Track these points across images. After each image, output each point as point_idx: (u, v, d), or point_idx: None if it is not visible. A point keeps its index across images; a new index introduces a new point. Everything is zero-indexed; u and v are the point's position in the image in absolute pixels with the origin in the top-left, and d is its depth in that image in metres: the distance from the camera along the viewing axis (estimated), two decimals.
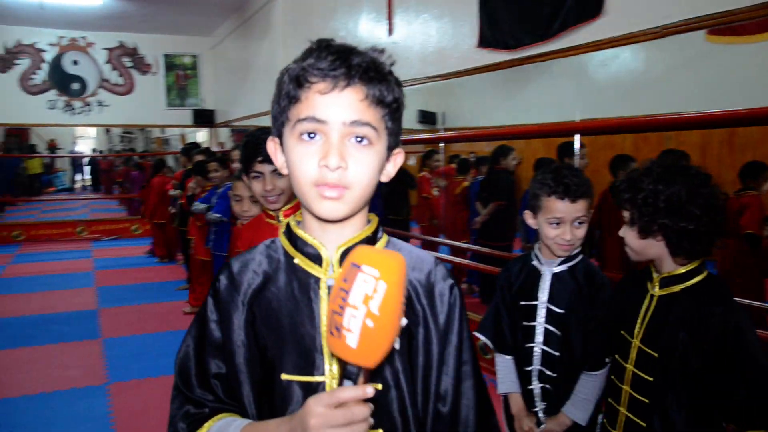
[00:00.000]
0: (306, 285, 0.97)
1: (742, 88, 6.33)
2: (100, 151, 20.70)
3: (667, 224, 1.51)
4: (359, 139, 0.89)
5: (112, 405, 3.76)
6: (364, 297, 0.74)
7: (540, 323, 1.92)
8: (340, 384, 0.79)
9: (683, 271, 1.57)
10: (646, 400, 1.57)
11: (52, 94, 9.88)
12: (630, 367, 1.62)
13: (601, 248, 4.86)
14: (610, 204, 4.51)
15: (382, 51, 0.92)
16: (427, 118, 6.98)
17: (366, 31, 5.45)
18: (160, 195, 7.89)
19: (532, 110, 9.53)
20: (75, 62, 9.98)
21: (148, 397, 3.88)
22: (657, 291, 1.61)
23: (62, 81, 9.90)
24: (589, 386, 1.86)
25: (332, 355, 0.83)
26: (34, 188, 17.70)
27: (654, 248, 1.58)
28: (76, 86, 10.01)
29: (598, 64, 7.98)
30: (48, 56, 9.79)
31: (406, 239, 5.80)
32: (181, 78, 10.55)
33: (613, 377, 1.71)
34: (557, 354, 1.89)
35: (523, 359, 1.96)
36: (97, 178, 19.60)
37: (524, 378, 1.98)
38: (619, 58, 7.88)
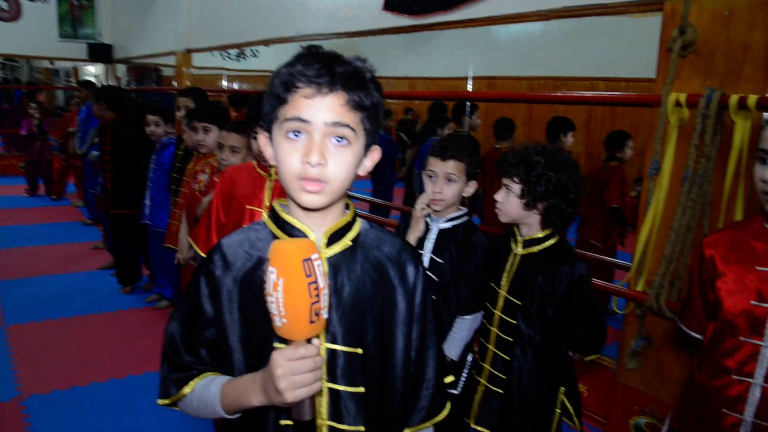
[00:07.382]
0: None
1: (626, 58, 6.93)
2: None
3: (552, 204, 1.83)
4: (339, 139, 1.00)
5: (12, 347, 3.78)
6: (323, 275, 0.91)
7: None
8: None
9: (541, 235, 1.91)
10: (511, 339, 1.92)
11: None
12: (498, 312, 1.96)
13: (482, 205, 5.29)
14: (492, 167, 4.85)
15: (364, 61, 1.04)
16: None
17: None
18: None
19: (434, 64, 9.84)
20: None
21: (48, 339, 3.92)
22: (520, 251, 1.94)
23: None
24: (461, 328, 2.19)
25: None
26: None
27: (529, 217, 1.90)
28: None
29: (500, 25, 8.36)
30: None
31: None
32: (75, 8, 9.90)
33: (484, 321, 2.05)
34: (434, 298, 2.19)
35: None
36: None
37: None
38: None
